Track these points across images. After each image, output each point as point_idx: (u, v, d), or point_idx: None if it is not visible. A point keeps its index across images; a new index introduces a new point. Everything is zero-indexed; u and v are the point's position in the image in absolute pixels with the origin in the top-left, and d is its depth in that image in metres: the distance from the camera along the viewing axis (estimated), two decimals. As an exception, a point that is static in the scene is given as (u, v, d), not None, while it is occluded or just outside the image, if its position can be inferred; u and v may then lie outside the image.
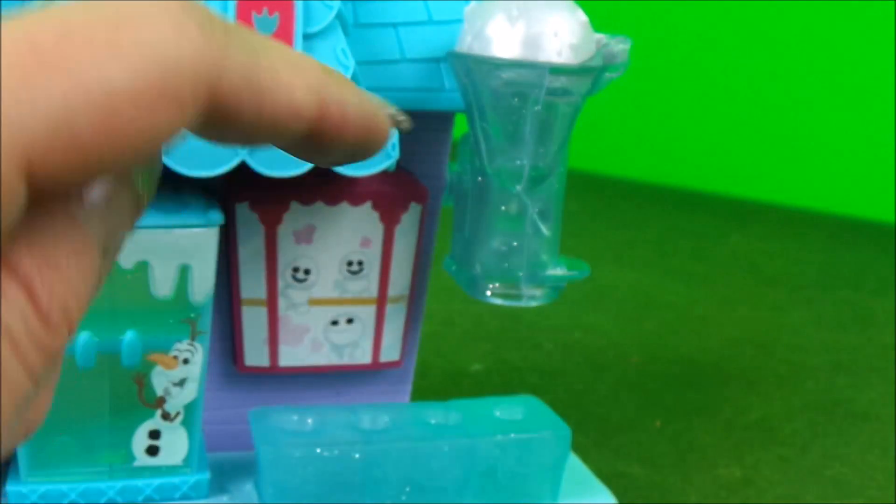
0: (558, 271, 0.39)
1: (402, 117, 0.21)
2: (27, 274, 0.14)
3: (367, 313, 0.43)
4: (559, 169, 0.38)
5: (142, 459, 0.38)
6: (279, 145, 0.18)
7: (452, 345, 0.70)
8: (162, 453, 0.38)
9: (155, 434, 0.38)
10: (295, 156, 0.18)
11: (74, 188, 0.15)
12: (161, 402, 0.38)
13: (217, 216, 0.36)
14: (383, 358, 0.44)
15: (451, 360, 0.68)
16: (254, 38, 0.17)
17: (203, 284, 0.36)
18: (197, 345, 0.37)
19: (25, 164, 0.14)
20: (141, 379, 0.37)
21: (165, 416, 0.38)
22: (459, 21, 0.38)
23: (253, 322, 0.41)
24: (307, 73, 0.18)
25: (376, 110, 0.19)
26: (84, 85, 0.14)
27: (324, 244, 0.41)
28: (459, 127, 0.42)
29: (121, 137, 0.15)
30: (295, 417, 0.40)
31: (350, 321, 0.42)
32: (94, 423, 0.37)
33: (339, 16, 0.35)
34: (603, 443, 0.57)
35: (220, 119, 0.16)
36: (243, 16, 0.33)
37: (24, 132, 0.14)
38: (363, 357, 0.43)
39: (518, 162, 0.37)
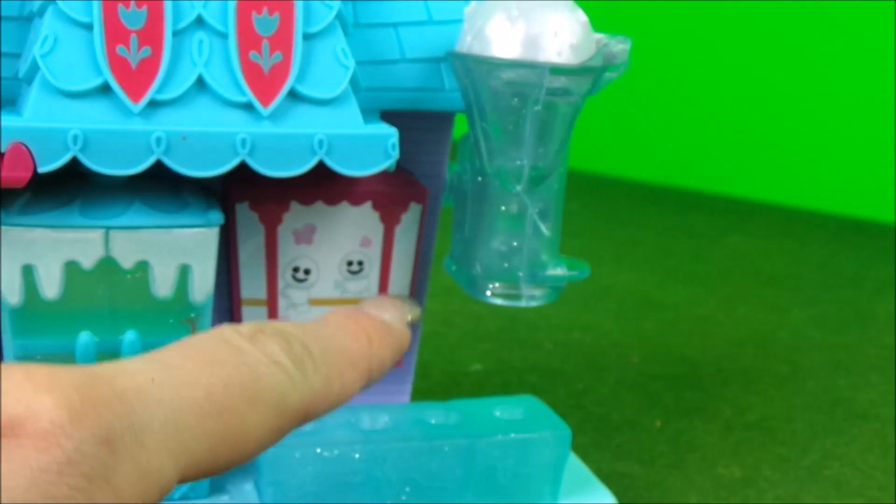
0: (558, 271, 0.39)
1: (416, 315, 0.31)
2: None
3: (367, 313, 0.43)
4: (559, 169, 0.38)
5: (142, 459, 0.38)
6: None
7: (452, 345, 0.70)
8: (162, 453, 0.38)
9: (155, 434, 0.38)
10: None
11: None
12: (161, 402, 0.38)
13: (217, 216, 0.36)
14: (383, 358, 0.44)
15: (451, 360, 0.68)
16: (327, 348, 0.25)
17: (203, 284, 0.36)
18: (197, 345, 0.37)
19: (184, 466, 0.21)
20: (141, 379, 0.37)
21: (165, 416, 0.38)
22: (459, 21, 0.38)
23: (253, 322, 0.41)
24: (360, 364, 0.25)
25: (403, 338, 0.28)
26: (232, 426, 0.22)
27: (324, 244, 0.41)
28: (459, 127, 0.42)
29: (237, 457, 0.22)
30: (295, 417, 0.40)
31: (350, 321, 0.42)
32: (94, 423, 0.37)
33: (339, 16, 0.35)
34: (603, 443, 0.57)
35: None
36: (243, 15, 0.33)
37: (189, 449, 0.21)
38: (363, 357, 0.43)
39: (518, 162, 0.37)
